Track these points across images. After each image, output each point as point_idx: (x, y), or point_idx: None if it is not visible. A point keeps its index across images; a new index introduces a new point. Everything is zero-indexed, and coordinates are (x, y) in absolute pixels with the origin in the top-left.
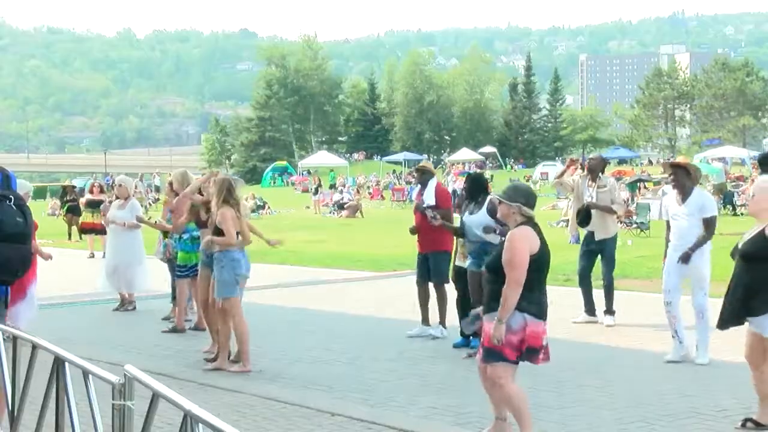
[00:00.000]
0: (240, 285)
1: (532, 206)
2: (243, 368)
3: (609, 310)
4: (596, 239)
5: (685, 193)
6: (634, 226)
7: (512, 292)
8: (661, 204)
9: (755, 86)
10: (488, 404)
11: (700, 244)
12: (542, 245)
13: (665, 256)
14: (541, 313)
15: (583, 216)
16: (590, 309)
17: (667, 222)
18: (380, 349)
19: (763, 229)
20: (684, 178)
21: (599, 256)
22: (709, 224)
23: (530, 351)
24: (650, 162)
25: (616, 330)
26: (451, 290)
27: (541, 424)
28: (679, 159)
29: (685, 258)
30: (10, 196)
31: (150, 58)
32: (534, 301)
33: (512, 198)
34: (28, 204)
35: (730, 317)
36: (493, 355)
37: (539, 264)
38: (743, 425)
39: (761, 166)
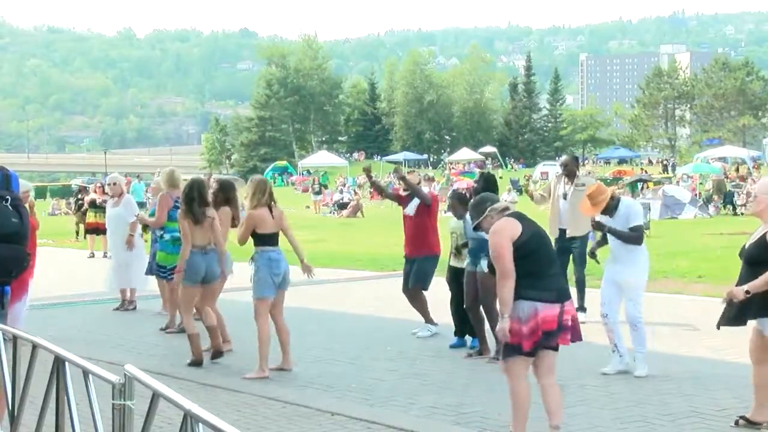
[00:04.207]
0: (277, 286)
1: (496, 200)
2: (261, 373)
3: (580, 307)
4: (567, 236)
5: (611, 208)
6: None
7: (502, 285)
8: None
9: (755, 86)
10: (488, 404)
11: (622, 235)
12: (527, 229)
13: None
14: (552, 297)
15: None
16: None
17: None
18: (380, 349)
19: (765, 234)
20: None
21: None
22: (634, 232)
23: (547, 335)
24: (650, 162)
25: None
26: (441, 291)
27: (541, 423)
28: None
29: (596, 224)
30: (7, 196)
31: (150, 58)
32: (543, 288)
33: (481, 210)
34: (33, 203)
35: (733, 318)
36: (510, 350)
37: (530, 248)
38: (736, 423)
39: None
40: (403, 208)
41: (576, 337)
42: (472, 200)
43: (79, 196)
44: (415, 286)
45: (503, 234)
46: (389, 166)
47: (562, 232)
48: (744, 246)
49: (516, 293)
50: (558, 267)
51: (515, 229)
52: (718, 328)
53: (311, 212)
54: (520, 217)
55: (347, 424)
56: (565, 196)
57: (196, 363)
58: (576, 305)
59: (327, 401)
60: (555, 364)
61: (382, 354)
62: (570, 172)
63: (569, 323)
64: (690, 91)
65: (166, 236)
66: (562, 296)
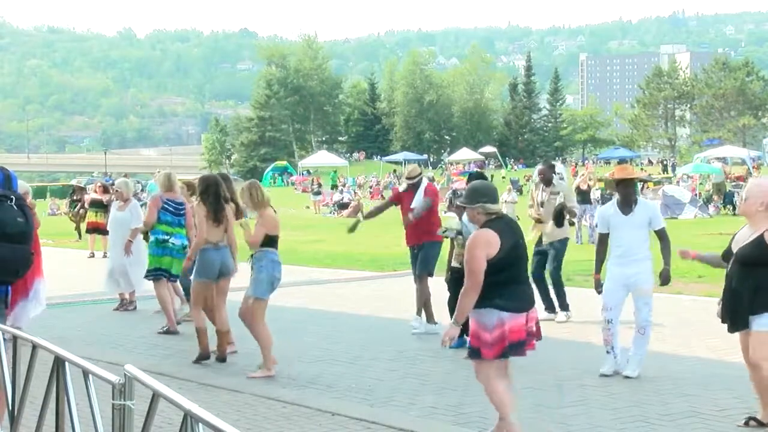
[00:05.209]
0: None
1: (495, 201)
2: (267, 372)
3: (562, 306)
4: (543, 242)
5: (631, 203)
6: None
7: (467, 297)
8: (596, 216)
9: (755, 86)
10: (489, 404)
11: (669, 256)
12: (505, 243)
13: (597, 272)
14: (519, 307)
15: (557, 217)
16: (549, 306)
17: (602, 235)
18: (380, 349)
19: (763, 234)
20: (633, 189)
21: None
22: (663, 235)
23: (513, 346)
24: (650, 162)
25: None
26: (441, 291)
27: (541, 424)
28: (622, 171)
29: (667, 278)
30: (11, 196)
31: (150, 58)
32: (510, 297)
33: (473, 200)
34: (34, 203)
35: (738, 321)
36: (472, 353)
37: (505, 263)
38: (746, 424)
39: None
40: (407, 206)
41: (538, 336)
42: (470, 184)
43: (75, 197)
44: (421, 273)
45: (479, 251)
46: (389, 167)
47: (540, 237)
48: (729, 247)
49: (483, 301)
50: (527, 275)
51: (493, 246)
52: (731, 332)
53: (311, 212)
54: (502, 228)
55: (347, 424)
56: (542, 204)
57: (203, 357)
58: (557, 304)
59: (327, 401)
60: (510, 369)
61: (382, 354)
62: (547, 180)
63: (533, 328)
64: (690, 91)
65: (151, 238)
66: (528, 304)
